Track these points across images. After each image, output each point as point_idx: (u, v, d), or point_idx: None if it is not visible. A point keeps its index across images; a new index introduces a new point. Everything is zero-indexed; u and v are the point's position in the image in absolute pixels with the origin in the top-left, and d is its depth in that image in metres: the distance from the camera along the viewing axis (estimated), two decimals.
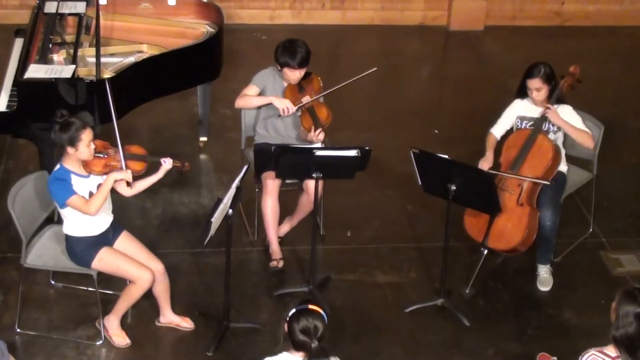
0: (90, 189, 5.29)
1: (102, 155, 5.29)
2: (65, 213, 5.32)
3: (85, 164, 5.25)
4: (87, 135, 5.17)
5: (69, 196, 5.21)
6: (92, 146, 5.21)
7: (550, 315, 5.96)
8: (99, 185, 5.31)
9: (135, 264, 5.40)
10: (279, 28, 9.35)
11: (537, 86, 6.03)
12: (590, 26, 9.91)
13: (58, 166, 5.28)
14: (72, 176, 5.24)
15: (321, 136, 6.01)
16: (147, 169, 5.44)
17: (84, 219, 5.31)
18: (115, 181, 5.31)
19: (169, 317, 5.67)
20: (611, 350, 4.18)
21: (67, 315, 5.76)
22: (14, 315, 5.64)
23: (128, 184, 5.34)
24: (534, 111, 6.15)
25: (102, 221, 5.40)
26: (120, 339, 5.53)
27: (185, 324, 5.67)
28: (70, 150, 5.18)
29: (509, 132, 6.25)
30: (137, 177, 5.42)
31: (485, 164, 6.11)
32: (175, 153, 5.52)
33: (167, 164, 5.44)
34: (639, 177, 7.45)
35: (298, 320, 4.15)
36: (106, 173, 5.31)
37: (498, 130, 6.27)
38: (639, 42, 9.75)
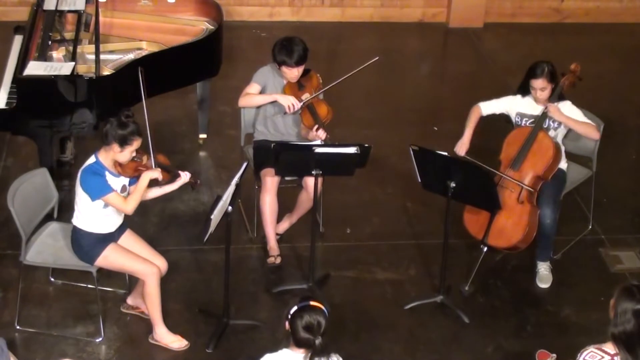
0: (116, 189, 5.31)
1: (136, 159, 5.32)
2: (82, 206, 5.32)
3: (119, 164, 5.27)
4: (137, 143, 5.22)
5: (107, 192, 5.23)
6: (133, 154, 5.25)
7: (550, 312, 5.97)
8: (123, 187, 5.33)
9: (138, 260, 5.40)
10: (279, 25, 9.35)
11: (542, 86, 6.02)
12: (589, 23, 9.91)
13: (93, 159, 5.27)
14: (107, 173, 5.26)
15: (323, 134, 6.00)
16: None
17: (98, 216, 5.32)
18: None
19: (137, 301, 5.70)
20: (610, 348, 4.18)
21: (67, 312, 5.76)
22: (13, 313, 5.64)
23: (158, 182, 5.37)
24: (534, 109, 6.14)
25: (114, 222, 5.41)
26: (178, 343, 5.53)
27: None
28: (116, 148, 5.18)
29: (506, 128, 6.25)
30: (156, 185, 5.46)
31: (461, 149, 6.09)
32: (192, 171, 5.55)
33: (185, 177, 5.45)
34: (638, 174, 7.46)
35: (301, 317, 4.14)
36: (135, 176, 5.33)
37: (487, 107, 6.24)
38: (638, 39, 9.75)
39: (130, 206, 5.30)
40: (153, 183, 5.41)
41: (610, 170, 7.16)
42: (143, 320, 5.64)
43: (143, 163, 5.34)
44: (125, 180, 5.34)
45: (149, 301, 5.43)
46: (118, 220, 5.44)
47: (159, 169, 5.35)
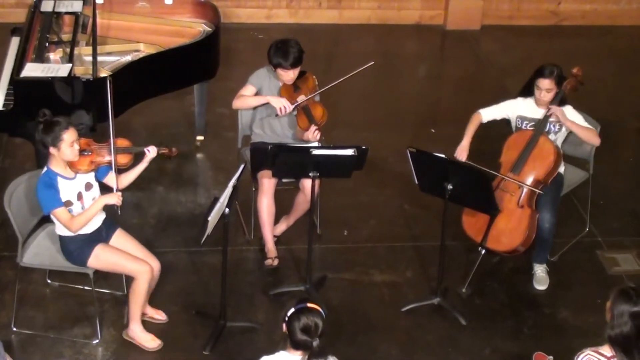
0: (78, 190, 5.28)
1: (86, 153, 5.28)
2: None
3: (71, 164, 5.24)
4: (69, 135, 5.13)
5: (55, 207, 5.19)
6: (76, 147, 5.18)
7: (547, 314, 5.97)
8: (88, 184, 5.30)
9: (131, 258, 5.39)
10: (276, 27, 9.35)
11: (548, 87, 5.98)
12: (586, 26, 9.92)
13: (45, 169, 5.25)
14: (59, 179, 5.21)
15: (317, 135, 6.00)
16: (134, 159, 5.44)
17: None
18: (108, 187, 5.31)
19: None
20: (607, 350, 4.19)
21: (64, 314, 5.76)
22: (10, 314, 5.63)
23: (118, 208, 5.31)
24: (536, 112, 6.13)
25: (94, 219, 5.38)
26: (151, 342, 5.51)
27: (159, 316, 5.68)
28: (52, 150, 5.15)
29: (506, 131, 6.24)
30: (124, 170, 5.42)
31: (462, 154, 6.07)
32: (161, 141, 5.49)
33: (151, 152, 5.42)
34: (635, 176, 7.46)
35: (298, 319, 4.14)
36: (93, 170, 5.30)
37: (487, 114, 6.21)
38: (636, 41, 9.76)
39: (75, 226, 5.23)
40: (123, 170, 5.38)
41: (607, 172, 7.15)
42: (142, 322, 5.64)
43: (95, 154, 5.29)
44: (88, 177, 5.31)
45: (134, 297, 5.41)
46: (98, 217, 5.40)
47: (119, 194, 5.27)
